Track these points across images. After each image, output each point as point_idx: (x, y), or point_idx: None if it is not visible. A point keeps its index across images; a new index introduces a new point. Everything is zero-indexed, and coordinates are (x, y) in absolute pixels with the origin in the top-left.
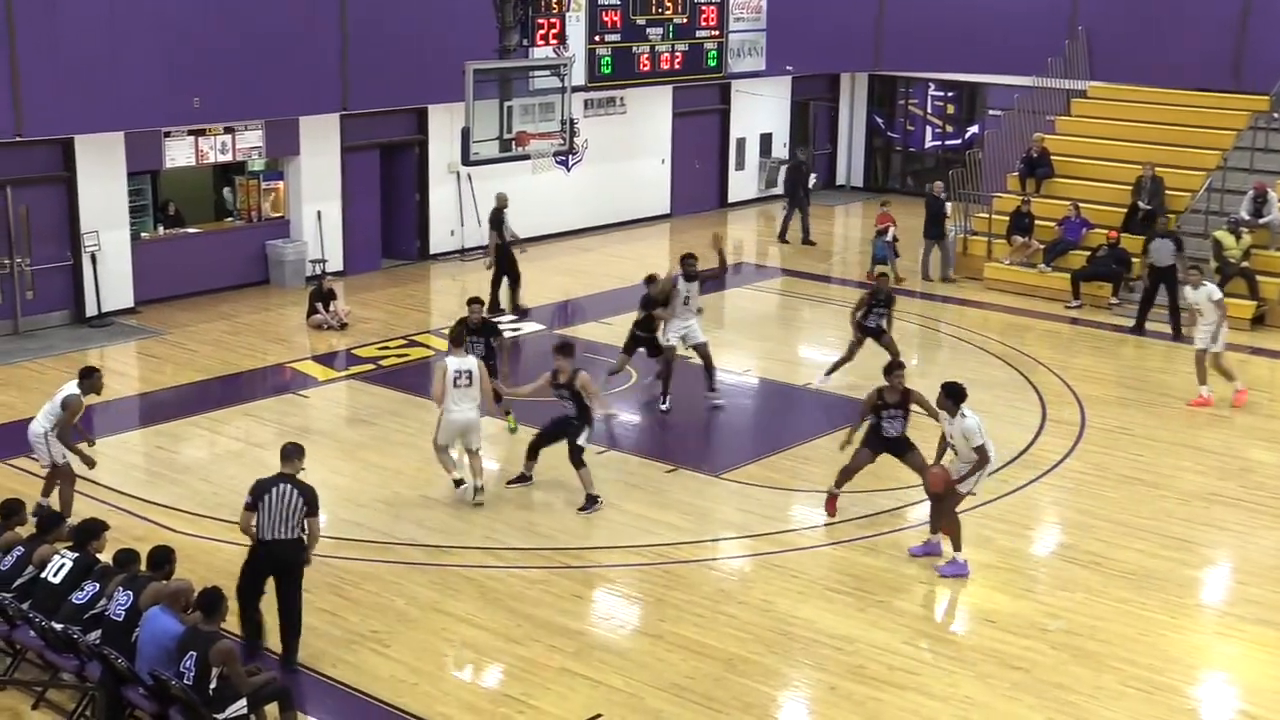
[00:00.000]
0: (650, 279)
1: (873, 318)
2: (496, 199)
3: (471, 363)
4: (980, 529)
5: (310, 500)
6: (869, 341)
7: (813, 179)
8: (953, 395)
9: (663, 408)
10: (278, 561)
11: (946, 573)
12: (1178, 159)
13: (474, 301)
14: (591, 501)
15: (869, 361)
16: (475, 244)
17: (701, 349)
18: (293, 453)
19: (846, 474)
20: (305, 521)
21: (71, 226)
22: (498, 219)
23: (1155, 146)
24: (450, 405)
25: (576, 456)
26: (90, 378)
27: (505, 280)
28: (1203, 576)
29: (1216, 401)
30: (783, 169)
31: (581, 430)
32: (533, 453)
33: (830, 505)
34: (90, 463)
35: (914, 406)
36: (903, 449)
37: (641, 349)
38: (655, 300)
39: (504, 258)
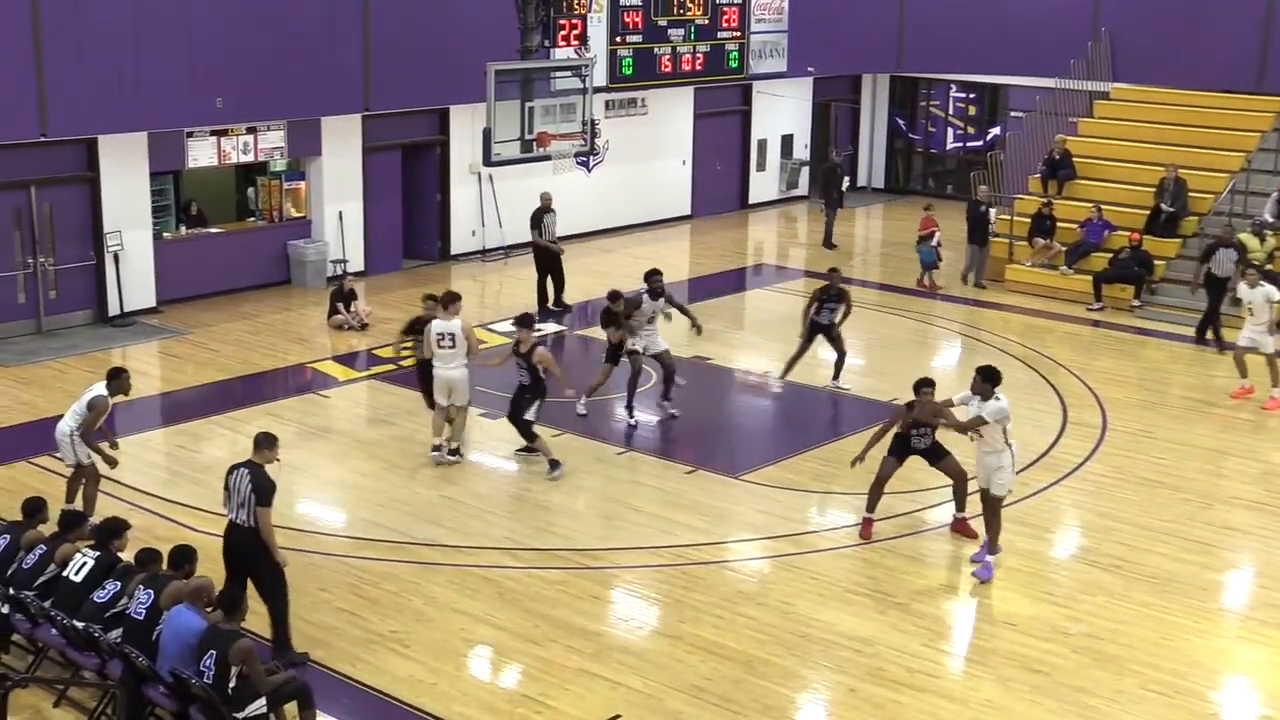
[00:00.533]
0: (614, 295)
1: (825, 313)
2: (540, 198)
3: (455, 325)
4: (1001, 531)
5: (259, 489)
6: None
7: (847, 181)
8: (989, 378)
9: (671, 411)
10: (235, 547)
11: (984, 576)
12: (1201, 161)
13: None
14: (554, 466)
15: (879, 360)
16: (496, 245)
17: (663, 357)
18: (262, 442)
19: (876, 491)
20: (256, 512)
21: (95, 226)
22: (536, 218)
23: (1178, 148)
24: (436, 364)
25: (524, 427)
26: (118, 378)
27: (550, 279)
28: (1225, 580)
29: (1242, 403)
30: (800, 169)
31: (532, 402)
32: (523, 431)
33: (866, 529)
34: (112, 463)
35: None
36: (936, 457)
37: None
38: (616, 316)
39: (544, 256)
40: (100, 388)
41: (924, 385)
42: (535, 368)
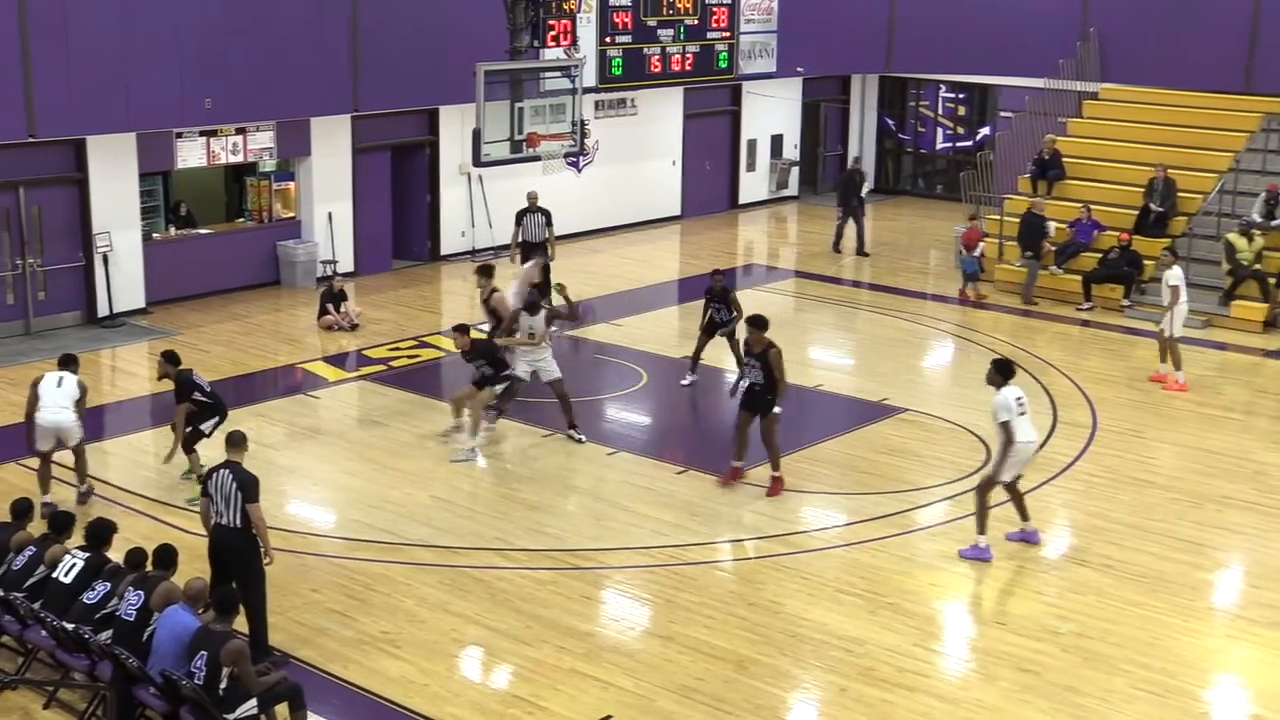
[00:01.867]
0: (459, 328)
1: (712, 311)
2: (525, 197)
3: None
4: (990, 531)
5: (245, 487)
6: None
7: (867, 187)
8: (1000, 370)
9: (579, 438)
10: (223, 548)
11: (966, 554)
12: (1190, 161)
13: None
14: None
15: (869, 360)
16: (485, 245)
17: (556, 386)
18: (238, 440)
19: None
20: (246, 509)
21: (83, 227)
22: (518, 217)
23: (1167, 148)
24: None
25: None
26: (75, 362)
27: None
28: (1215, 580)
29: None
30: (790, 169)
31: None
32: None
33: (735, 476)
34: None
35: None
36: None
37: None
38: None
39: (527, 255)
40: (70, 374)
41: (754, 323)
42: (494, 311)
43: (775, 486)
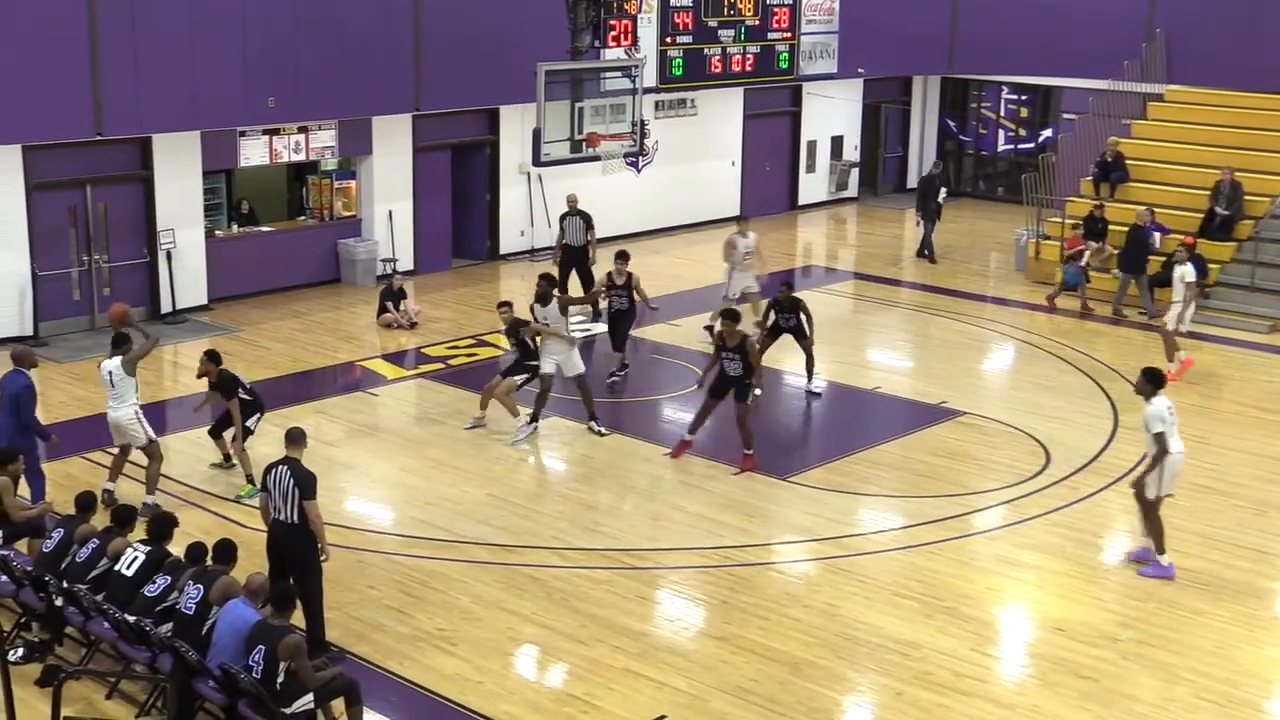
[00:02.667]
0: (504, 304)
1: (780, 319)
2: (565, 200)
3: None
4: (1050, 536)
5: (303, 484)
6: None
7: (943, 193)
8: (1152, 380)
9: (600, 430)
10: (280, 544)
11: (1148, 574)
12: (1257, 163)
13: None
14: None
15: (929, 362)
16: (545, 244)
17: (580, 380)
18: (297, 437)
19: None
20: (303, 506)
21: (148, 224)
22: (560, 220)
23: (1233, 151)
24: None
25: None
26: (123, 344)
27: (576, 279)
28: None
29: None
30: (850, 170)
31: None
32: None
33: (684, 448)
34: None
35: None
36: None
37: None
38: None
39: (566, 258)
40: (114, 360)
41: (726, 316)
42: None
43: (747, 462)
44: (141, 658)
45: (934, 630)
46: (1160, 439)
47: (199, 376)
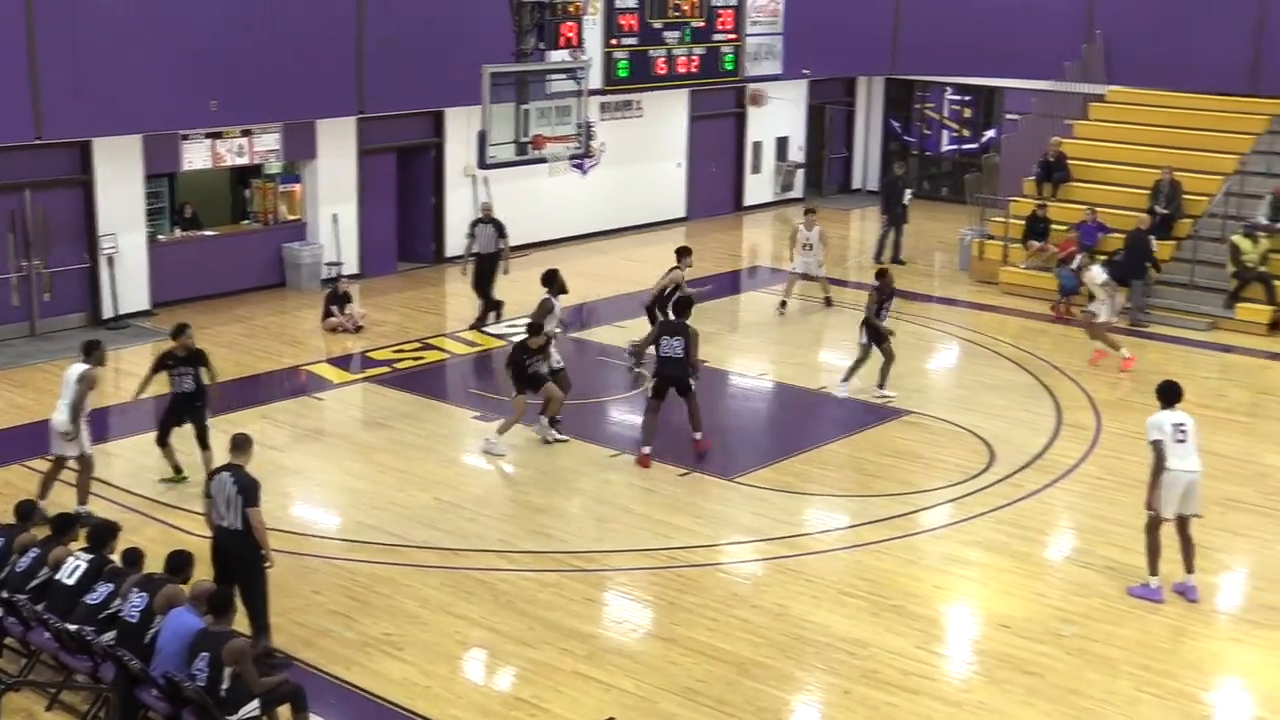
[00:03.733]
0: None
1: (884, 313)
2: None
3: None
4: (995, 533)
5: (246, 491)
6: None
7: (908, 194)
8: (1161, 394)
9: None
10: (224, 551)
11: (1135, 592)
12: (1195, 163)
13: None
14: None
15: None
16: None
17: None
18: (241, 443)
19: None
20: (246, 513)
21: (89, 229)
22: (471, 227)
23: (1173, 150)
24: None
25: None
26: (95, 351)
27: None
28: (1219, 582)
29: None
30: (795, 171)
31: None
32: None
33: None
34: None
35: None
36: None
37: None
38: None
39: (477, 269)
40: (81, 365)
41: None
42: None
43: (702, 444)
44: (83, 667)
45: (881, 629)
46: (1156, 448)
47: (162, 355)
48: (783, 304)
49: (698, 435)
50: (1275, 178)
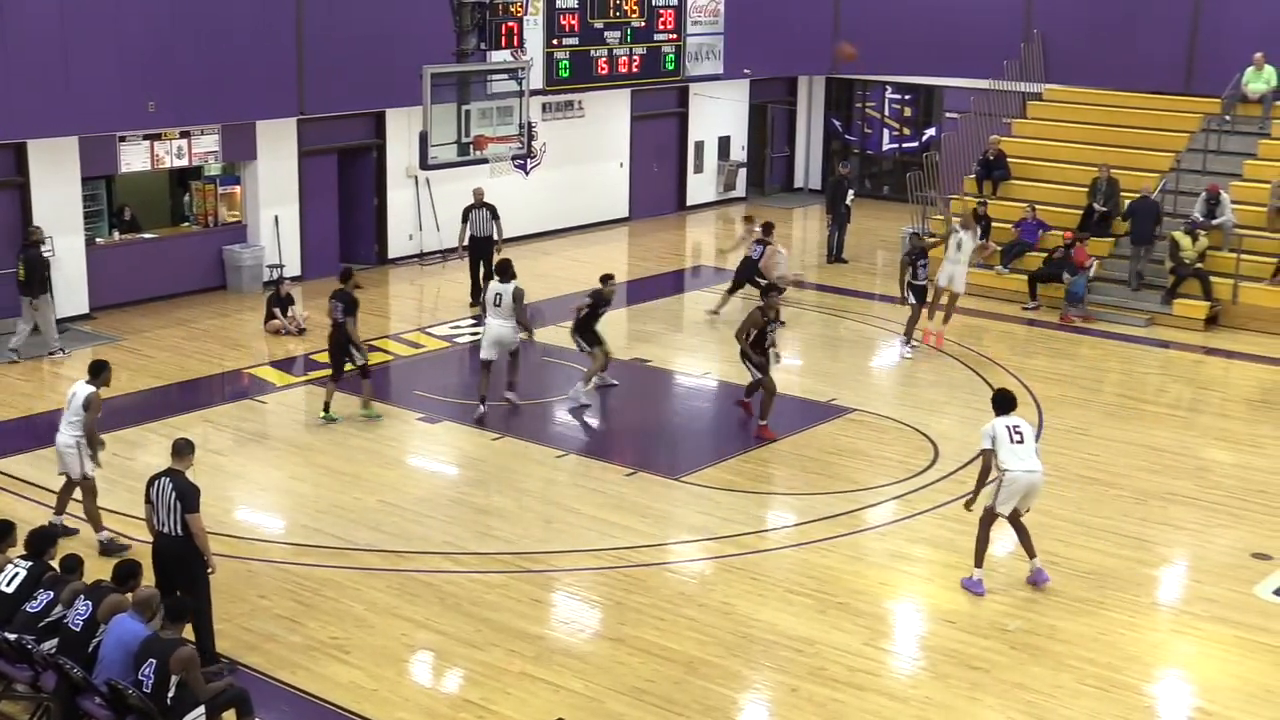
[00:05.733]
0: (606, 278)
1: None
2: (472, 194)
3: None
4: (939, 530)
5: (184, 496)
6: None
7: (851, 195)
8: (995, 402)
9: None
10: (165, 557)
11: (965, 584)
12: (1132, 161)
13: None
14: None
15: (818, 361)
16: (434, 248)
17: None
18: (182, 448)
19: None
20: (186, 519)
21: (24, 232)
22: (465, 214)
23: (1110, 149)
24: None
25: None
26: (101, 373)
27: (481, 272)
28: (1159, 575)
29: (1173, 399)
30: (737, 170)
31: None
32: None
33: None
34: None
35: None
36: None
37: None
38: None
39: (474, 250)
40: (85, 385)
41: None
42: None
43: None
44: (23, 676)
45: (827, 626)
46: (986, 456)
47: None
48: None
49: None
50: (1210, 175)
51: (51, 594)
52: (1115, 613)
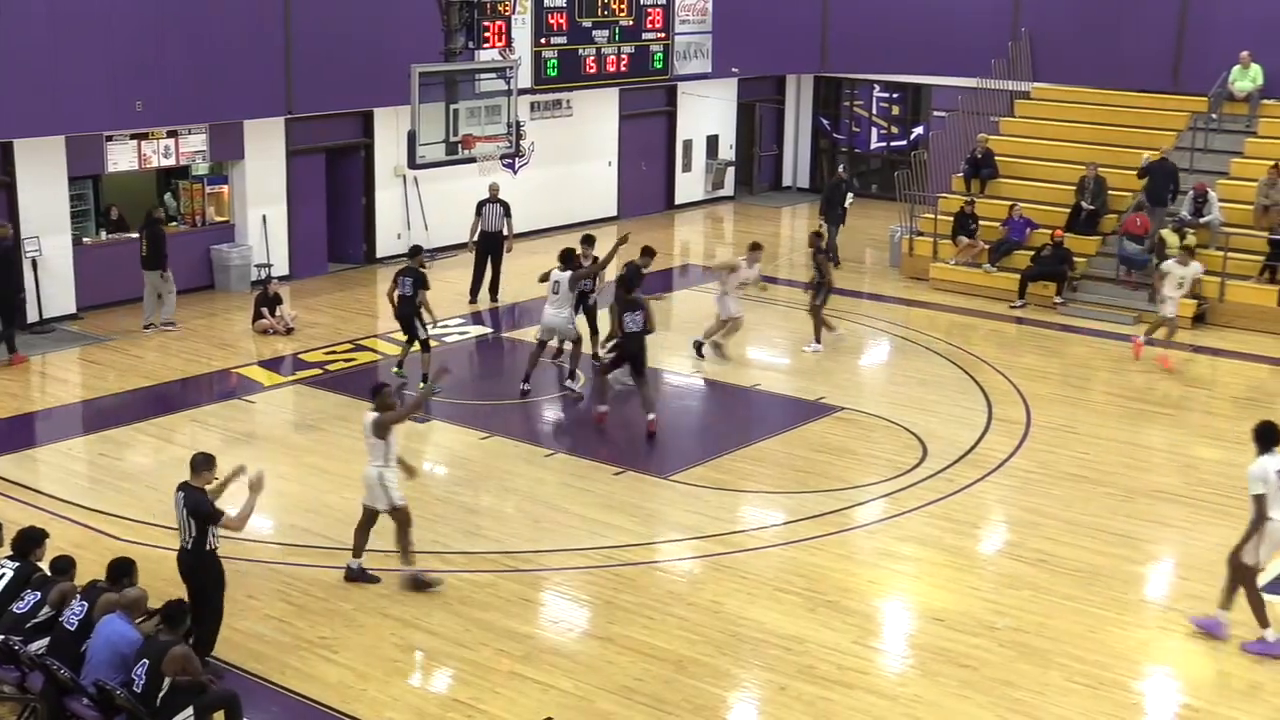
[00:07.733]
0: (646, 250)
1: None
2: (488, 189)
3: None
4: (928, 528)
5: (196, 514)
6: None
7: (850, 198)
8: (1259, 437)
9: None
10: (181, 569)
11: (1251, 649)
12: (1120, 159)
13: None
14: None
15: (805, 358)
16: (430, 248)
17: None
18: (197, 463)
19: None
20: (209, 531)
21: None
22: (478, 208)
23: (1097, 147)
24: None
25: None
26: (381, 393)
27: (489, 269)
28: (1147, 573)
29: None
30: (725, 169)
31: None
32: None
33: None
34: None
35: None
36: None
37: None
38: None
39: (482, 245)
40: (370, 414)
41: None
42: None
43: (651, 425)
44: (10, 677)
45: (817, 624)
46: (1259, 502)
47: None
48: (717, 347)
49: (650, 416)
50: (1197, 173)
51: (38, 595)
52: (1103, 610)
